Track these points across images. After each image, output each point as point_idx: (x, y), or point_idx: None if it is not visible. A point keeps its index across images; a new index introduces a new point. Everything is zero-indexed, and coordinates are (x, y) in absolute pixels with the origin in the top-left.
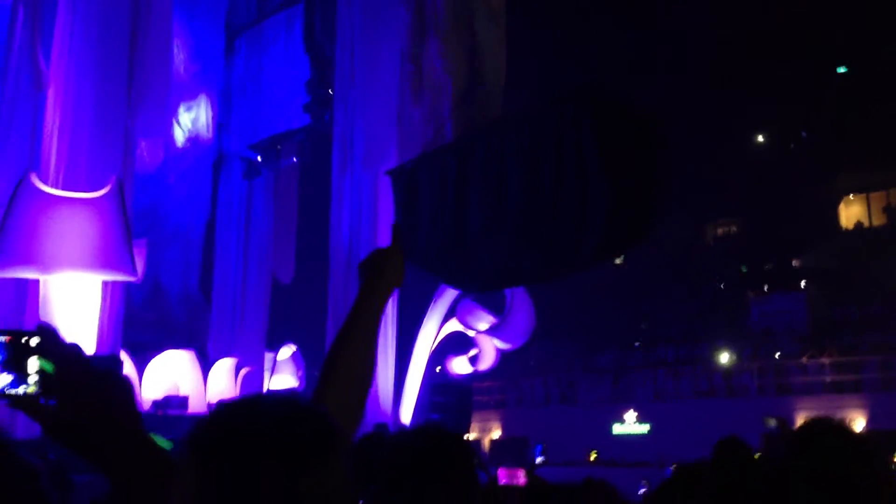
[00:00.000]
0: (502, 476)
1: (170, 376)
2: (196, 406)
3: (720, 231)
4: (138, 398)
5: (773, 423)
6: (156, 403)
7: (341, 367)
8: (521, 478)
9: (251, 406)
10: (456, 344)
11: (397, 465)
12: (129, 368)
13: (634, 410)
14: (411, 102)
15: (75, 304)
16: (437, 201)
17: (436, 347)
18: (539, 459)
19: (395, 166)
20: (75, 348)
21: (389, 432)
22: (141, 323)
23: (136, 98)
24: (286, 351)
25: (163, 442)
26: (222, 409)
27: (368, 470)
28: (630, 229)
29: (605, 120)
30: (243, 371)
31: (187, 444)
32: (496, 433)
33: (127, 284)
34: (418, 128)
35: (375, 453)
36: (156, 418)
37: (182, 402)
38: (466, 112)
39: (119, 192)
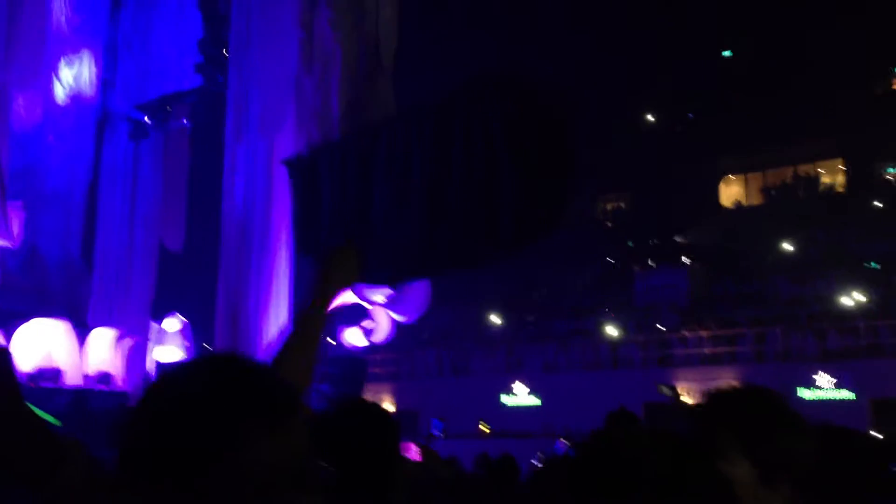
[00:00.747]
0: None
1: (41, 346)
2: (72, 378)
3: (610, 207)
4: (17, 370)
5: (666, 391)
6: (27, 376)
7: (289, 366)
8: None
9: (221, 365)
10: (351, 315)
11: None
12: None
13: (524, 382)
14: (305, 71)
15: None
16: (338, 194)
17: (331, 318)
18: (436, 433)
19: (292, 152)
20: None
21: None
22: (15, 290)
23: (10, 50)
24: (173, 322)
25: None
26: (179, 372)
27: None
28: (542, 219)
29: (516, 107)
30: (126, 342)
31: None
32: (388, 406)
33: (0, 249)
34: (312, 98)
35: None
36: (27, 391)
37: (56, 374)
38: (357, 88)
39: None
